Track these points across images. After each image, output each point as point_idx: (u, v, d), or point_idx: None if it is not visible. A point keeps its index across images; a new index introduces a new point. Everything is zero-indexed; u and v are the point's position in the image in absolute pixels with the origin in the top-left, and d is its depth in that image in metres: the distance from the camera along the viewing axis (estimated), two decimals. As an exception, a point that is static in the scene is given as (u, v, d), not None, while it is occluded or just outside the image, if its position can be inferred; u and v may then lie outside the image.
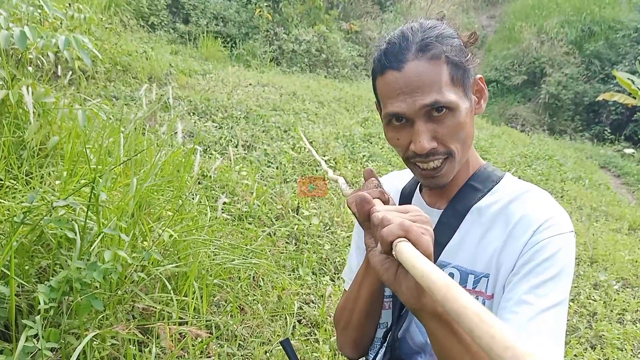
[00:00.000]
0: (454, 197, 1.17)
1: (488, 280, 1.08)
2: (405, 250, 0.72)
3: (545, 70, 15.81)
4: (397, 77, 1.02)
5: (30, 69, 4.16)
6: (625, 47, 15.53)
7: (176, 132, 4.70)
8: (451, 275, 1.12)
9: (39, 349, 1.88)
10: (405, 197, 1.28)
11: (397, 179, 1.37)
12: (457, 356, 0.91)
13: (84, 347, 1.95)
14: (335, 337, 1.30)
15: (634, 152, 12.49)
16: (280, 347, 2.69)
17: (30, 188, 2.81)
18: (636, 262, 4.78)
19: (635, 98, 11.74)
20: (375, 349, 1.28)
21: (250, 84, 8.41)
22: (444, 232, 1.14)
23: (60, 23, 5.45)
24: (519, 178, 4.45)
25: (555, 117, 15.37)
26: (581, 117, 15.47)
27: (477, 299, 1.08)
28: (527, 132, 13.50)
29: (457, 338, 0.90)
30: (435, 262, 1.03)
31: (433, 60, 1.02)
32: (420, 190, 1.27)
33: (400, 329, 1.20)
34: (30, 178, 2.92)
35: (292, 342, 2.77)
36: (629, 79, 11.67)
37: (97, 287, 2.18)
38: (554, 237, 1.01)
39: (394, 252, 0.77)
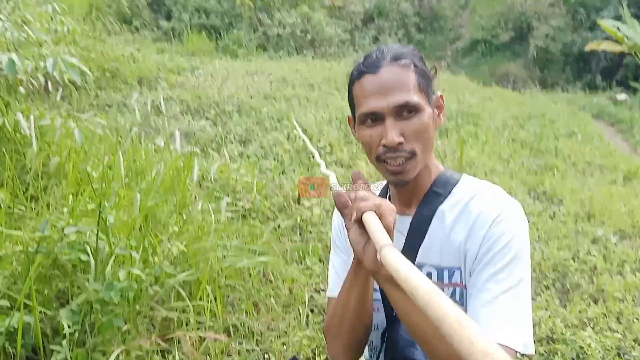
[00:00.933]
0: (420, 203, 1.30)
1: (461, 272, 1.21)
2: (389, 256, 0.79)
3: (531, 25, 15.75)
4: (373, 80, 1.18)
5: (21, 89, 4.22)
6: (609, -8, 15.45)
7: (171, 135, 4.77)
8: (429, 274, 1.24)
9: (70, 370, 1.99)
10: None
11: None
12: (412, 317, 1.04)
13: (111, 363, 2.06)
14: (327, 348, 1.37)
15: (626, 98, 12.52)
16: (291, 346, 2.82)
17: (37, 212, 2.90)
18: (632, 212, 4.88)
19: (622, 44, 11.72)
20: (376, 353, 1.38)
21: (239, 75, 8.45)
22: (416, 235, 1.27)
23: (45, 40, 5.49)
24: (512, 141, 4.52)
25: (546, 70, 15.37)
26: (571, 67, 15.46)
27: (455, 290, 1.22)
28: (519, 90, 13.50)
29: (410, 301, 1.02)
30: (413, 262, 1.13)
31: (404, 67, 1.18)
32: (389, 200, 1.39)
33: (397, 328, 1.30)
34: (36, 202, 3.01)
35: (306, 332, 2.90)
36: (614, 26, 11.64)
37: (115, 304, 2.29)
38: (507, 228, 1.15)
39: (378, 256, 0.83)
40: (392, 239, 0.94)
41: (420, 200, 1.30)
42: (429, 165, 1.28)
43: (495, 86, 13.01)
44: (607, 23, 11.73)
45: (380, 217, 0.96)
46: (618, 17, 12.95)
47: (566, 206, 5.02)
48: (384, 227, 0.92)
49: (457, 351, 0.53)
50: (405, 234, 1.28)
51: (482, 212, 1.19)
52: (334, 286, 1.40)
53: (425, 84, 1.20)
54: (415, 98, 1.15)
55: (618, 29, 11.59)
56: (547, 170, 6.16)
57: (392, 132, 1.15)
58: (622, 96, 12.69)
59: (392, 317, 1.31)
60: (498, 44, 16.35)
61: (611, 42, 12.06)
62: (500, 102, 10.04)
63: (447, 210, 1.25)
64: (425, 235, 1.26)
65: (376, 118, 1.19)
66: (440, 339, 1.01)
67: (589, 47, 12.45)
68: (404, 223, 1.29)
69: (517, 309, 1.08)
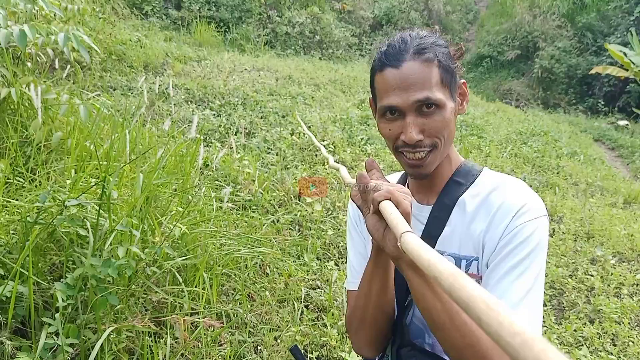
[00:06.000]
0: (441, 192, 1.28)
1: (478, 262, 1.20)
2: (410, 242, 0.76)
3: (538, 45, 15.79)
4: (395, 74, 1.15)
5: (28, 64, 4.17)
6: (617, 18, 15.52)
7: (174, 122, 4.72)
8: None
9: (59, 345, 1.94)
10: None
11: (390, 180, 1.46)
12: (430, 303, 1.03)
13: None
14: (350, 341, 1.37)
15: (627, 124, 12.56)
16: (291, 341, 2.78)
17: (36, 185, 2.86)
18: (632, 236, 4.86)
19: (627, 70, 11.76)
20: None
21: (245, 69, 8.42)
22: (436, 224, 1.26)
23: (54, 15, 5.44)
24: (515, 156, 4.51)
25: (549, 90, 15.40)
26: (575, 90, 15.51)
27: None
28: (522, 107, 13.55)
29: (430, 287, 1.02)
30: None
31: (427, 63, 1.15)
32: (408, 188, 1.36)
33: (408, 316, 1.29)
34: (35, 175, 2.96)
35: (300, 327, 2.86)
36: (620, 51, 11.68)
37: (110, 282, 2.24)
38: (529, 222, 1.13)
39: (399, 244, 0.81)
40: (409, 223, 0.93)
41: (439, 190, 1.29)
42: (449, 156, 1.28)
43: (498, 102, 13.04)
44: (614, 48, 11.76)
45: (396, 204, 0.95)
46: (625, 43, 13.01)
47: (566, 224, 5.00)
48: (401, 213, 0.92)
49: (485, 333, 0.51)
50: (425, 223, 1.27)
51: (504, 203, 1.17)
52: (352, 278, 1.39)
53: (449, 77, 1.17)
54: (438, 94, 1.13)
55: (625, 54, 11.62)
56: (549, 187, 6.15)
57: (412, 130, 1.14)
58: (623, 122, 12.73)
59: (403, 306, 1.30)
60: (503, 61, 16.37)
61: (616, 67, 12.09)
62: (503, 117, 10.05)
63: (468, 199, 1.24)
64: (445, 224, 1.25)
65: (396, 112, 1.17)
66: (456, 327, 1.01)
67: (594, 70, 12.48)
68: (424, 212, 1.29)
69: (532, 314, 1.06)
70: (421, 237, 1.22)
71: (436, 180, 1.28)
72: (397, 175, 1.46)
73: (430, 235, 1.25)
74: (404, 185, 1.39)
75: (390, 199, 0.96)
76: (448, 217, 1.25)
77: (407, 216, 0.95)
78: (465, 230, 1.22)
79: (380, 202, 0.97)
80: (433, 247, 1.23)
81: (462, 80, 1.25)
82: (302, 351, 2.83)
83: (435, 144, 1.17)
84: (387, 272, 1.18)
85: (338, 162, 5.26)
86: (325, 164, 4.97)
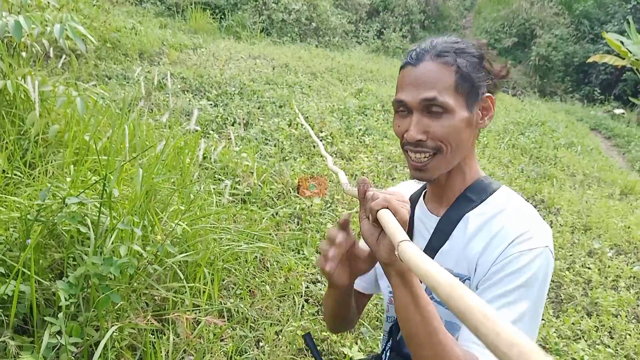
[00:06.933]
0: (450, 206, 1.28)
1: (470, 282, 1.20)
2: (408, 251, 0.76)
3: (535, 32, 15.78)
4: (411, 71, 1.18)
5: (23, 54, 4.12)
6: (614, 6, 15.52)
7: (173, 112, 4.68)
8: None
9: (62, 344, 1.93)
10: (412, 204, 1.39)
11: (407, 188, 1.49)
12: (410, 314, 1.02)
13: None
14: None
15: (623, 113, 12.58)
16: (302, 334, 2.78)
17: (33, 179, 2.83)
18: (628, 228, 4.89)
19: (624, 59, 11.76)
20: (383, 342, 1.43)
21: (241, 57, 8.36)
22: (439, 238, 1.27)
23: (48, 3, 5.37)
24: (513, 147, 4.47)
25: (546, 78, 15.41)
26: (571, 78, 15.53)
27: None
28: (518, 96, 13.55)
29: (414, 299, 1.02)
30: None
31: (444, 65, 1.15)
32: (424, 198, 1.38)
33: None
34: (33, 170, 2.94)
35: (301, 322, 2.86)
36: (618, 40, 11.67)
37: (111, 278, 2.23)
38: (525, 252, 1.10)
39: (396, 252, 0.81)
40: (406, 230, 0.93)
41: (450, 202, 1.28)
42: (463, 169, 1.26)
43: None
44: (611, 36, 11.75)
45: (394, 212, 0.95)
46: (622, 32, 13.01)
47: (563, 216, 5.02)
48: (399, 221, 0.92)
49: (482, 343, 0.51)
50: (431, 233, 1.28)
51: (504, 229, 1.16)
52: None
53: (467, 86, 1.16)
54: (446, 98, 1.13)
55: (622, 43, 11.62)
56: (546, 178, 6.16)
57: (414, 128, 1.15)
58: (619, 110, 12.75)
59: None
60: (500, 49, 16.33)
61: (613, 56, 12.09)
62: (501, 106, 10.04)
63: (472, 217, 1.23)
64: (447, 239, 1.25)
65: (406, 109, 1.18)
66: (431, 344, 1.01)
67: (591, 58, 12.47)
68: (431, 222, 1.30)
69: None
70: (424, 248, 1.25)
71: (448, 193, 1.28)
72: (416, 185, 1.47)
73: (432, 247, 1.26)
74: (422, 192, 1.40)
75: (387, 207, 0.96)
76: (452, 231, 1.25)
77: (404, 224, 0.95)
78: (463, 249, 1.22)
79: (377, 210, 0.97)
80: (432, 259, 1.25)
81: (488, 95, 1.22)
82: (304, 346, 2.84)
83: (439, 149, 1.16)
84: (338, 292, 1.24)
85: (336, 154, 5.26)
86: (326, 177, 4.95)
